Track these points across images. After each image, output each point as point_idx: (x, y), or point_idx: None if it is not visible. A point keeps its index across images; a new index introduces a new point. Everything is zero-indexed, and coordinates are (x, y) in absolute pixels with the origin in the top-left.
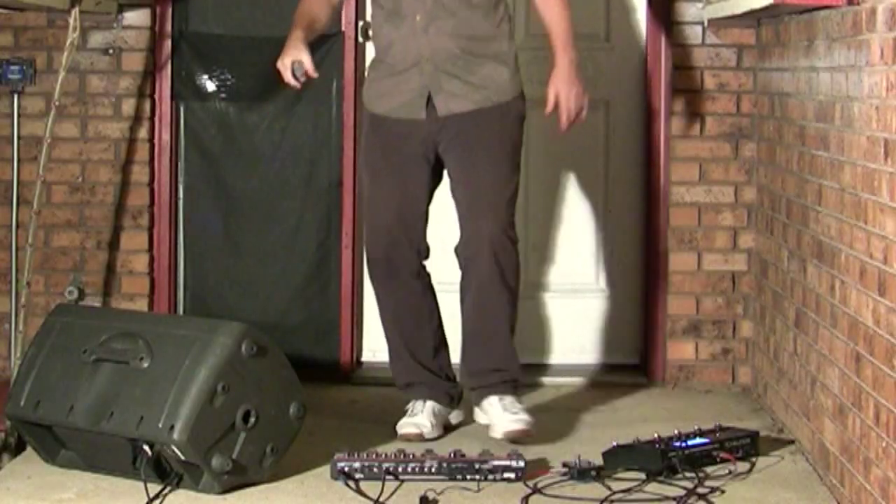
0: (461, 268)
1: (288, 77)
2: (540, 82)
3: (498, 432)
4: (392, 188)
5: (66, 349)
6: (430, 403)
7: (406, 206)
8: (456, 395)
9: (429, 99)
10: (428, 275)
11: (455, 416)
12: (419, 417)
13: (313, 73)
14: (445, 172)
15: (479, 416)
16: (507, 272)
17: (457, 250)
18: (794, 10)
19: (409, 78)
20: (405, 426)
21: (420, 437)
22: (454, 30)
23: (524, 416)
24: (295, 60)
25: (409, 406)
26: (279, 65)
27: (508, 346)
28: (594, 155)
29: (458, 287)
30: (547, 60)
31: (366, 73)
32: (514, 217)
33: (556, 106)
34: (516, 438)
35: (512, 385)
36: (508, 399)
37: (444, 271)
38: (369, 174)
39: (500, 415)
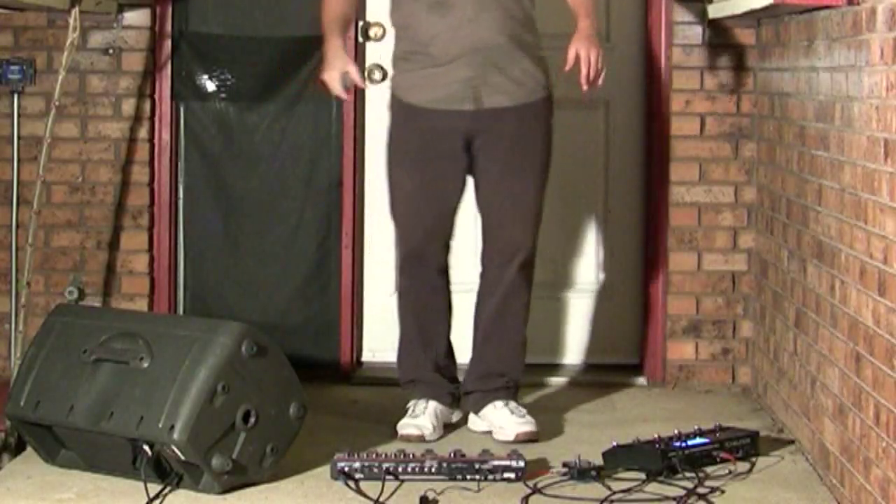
0: (487, 272)
1: (338, 89)
2: None
3: (509, 435)
4: (430, 180)
5: (66, 349)
6: (432, 404)
7: (443, 199)
8: (458, 395)
9: (473, 91)
10: (449, 272)
11: (456, 415)
12: (421, 419)
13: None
14: (473, 171)
15: (477, 423)
16: (530, 280)
17: (485, 255)
18: (794, 10)
19: (455, 69)
20: (406, 426)
21: (421, 439)
22: (502, 20)
23: (531, 419)
24: (343, 72)
25: (411, 405)
26: (326, 77)
27: (521, 352)
28: (594, 155)
29: (457, 287)
30: (550, 60)
31: (372, 66)
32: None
33: (576, 67)
34: (526, 440)
35: (514, 390)
36: (512, 403)
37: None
38: (404, 165)
39: (508, 418)
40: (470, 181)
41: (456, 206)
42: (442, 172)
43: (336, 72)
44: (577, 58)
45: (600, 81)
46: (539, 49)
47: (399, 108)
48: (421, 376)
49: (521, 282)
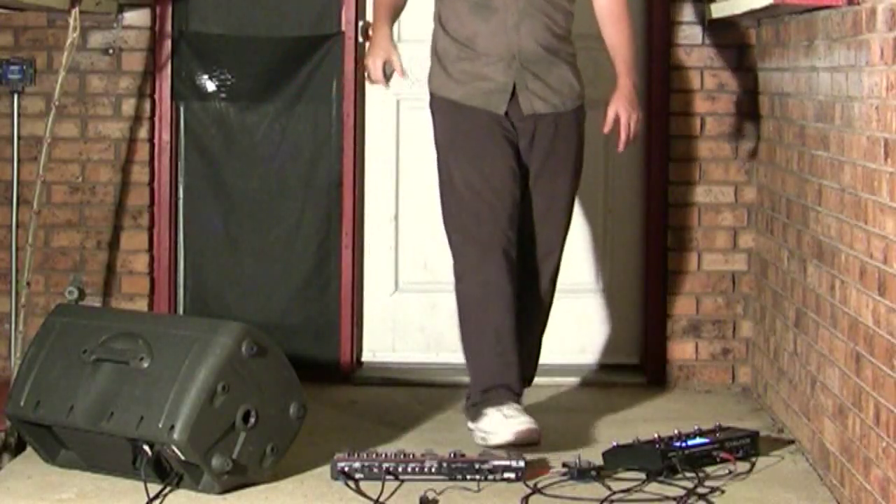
0: (520, 275)
1: (378, 76)
2: None
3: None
4: (497, 158)
5: (66, 349)
6: (521, 406)
7: (513, 179)
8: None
9: (510, 96)
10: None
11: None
12: (522, 416)
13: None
14: None
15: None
16: (555, 288)
17: (517, 258)
18: (794, 10)
19: (493, 71)
20: (509, 426)
21: (535, 434)
22: (543, 29)
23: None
24: (386, 60)
25: (490, 410)
26: (369, 62)
27: (537, 358)
28: (594, 155)
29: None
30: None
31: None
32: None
33: (615, 125)
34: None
35: (518, 394)
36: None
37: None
38: (464, 150)
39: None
40: None
41: (519, 188)
42: (501, 153)
43: (379, 59)
44: (616, 119)
45: (636, 139)
46: (574, 56)
47: (439, 105)
48: (509, 382)
49: (552, 286)
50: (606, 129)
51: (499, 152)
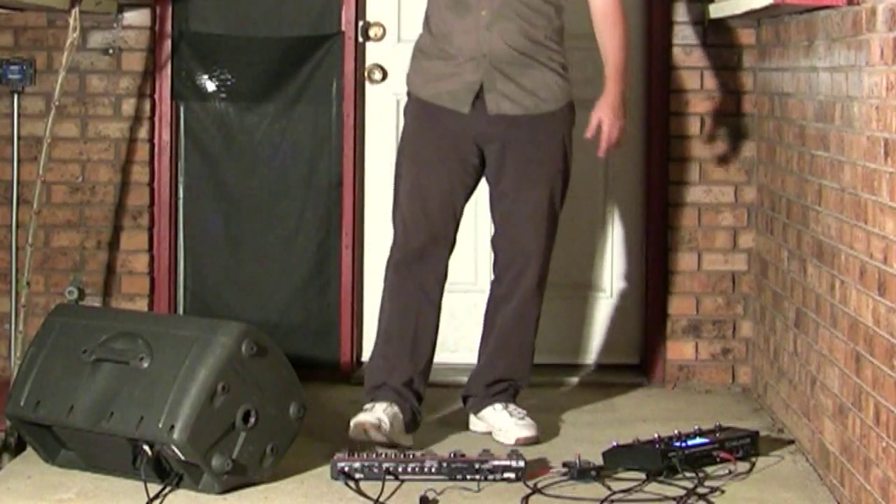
0: (501, 281)
1: None
2: None
3: (510, 438)
4: (434, 177)
5: (66, 349)
6: (395, 409)
7: (445, 198)
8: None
9: (476, 96)
10: (444, 286)
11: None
12: (378, 412)
13: None
14: (487, 179)
15: (477, 424)
16: (544, 286)
17: (498, 264)
18: (794, 10)
19: (463, 70)
20: (360, 417)
21: (378, 428)
22: (517, 31)
23: (531, 421)
24: None
25: (368, 406)
26: None
27: (530, 361)
28: (594, 156)
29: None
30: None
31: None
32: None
33: (598, 131)
34: (526, 444)
35: (515, 393)
36: (512, 406)
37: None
38: (409, 160)
39: (507, 420)
40: (482, 189)
41: (458, 208)
42: (447, 171)
43: None
44: (599, 125)
45: (620, 146)
46: (560, 61)
47: (410, 104)
48: (393, 383)
49: (535, 292)
50: (589, 134)
51: (455, 161)
